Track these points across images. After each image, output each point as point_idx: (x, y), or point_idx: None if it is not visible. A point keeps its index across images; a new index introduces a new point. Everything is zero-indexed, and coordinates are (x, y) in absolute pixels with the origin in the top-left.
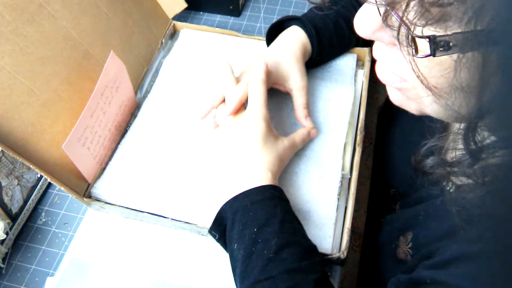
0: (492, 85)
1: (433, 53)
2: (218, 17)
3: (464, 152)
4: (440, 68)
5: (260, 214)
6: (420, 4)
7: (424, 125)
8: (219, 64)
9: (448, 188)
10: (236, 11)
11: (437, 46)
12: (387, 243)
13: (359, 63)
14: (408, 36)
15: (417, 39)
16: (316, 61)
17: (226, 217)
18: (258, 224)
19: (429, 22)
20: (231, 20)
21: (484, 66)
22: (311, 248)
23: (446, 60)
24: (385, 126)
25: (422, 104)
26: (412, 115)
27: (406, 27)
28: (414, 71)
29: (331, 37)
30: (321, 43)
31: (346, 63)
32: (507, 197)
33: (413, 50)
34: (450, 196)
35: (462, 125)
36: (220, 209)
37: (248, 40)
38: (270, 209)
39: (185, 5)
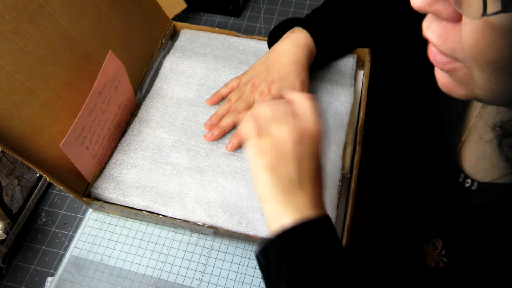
0: None
1: (504, 8)
2: (218, 17)
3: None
4: (502, 38)
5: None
6: None
7: (432, 120)
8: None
9: (467, 185)
10: (236, 11)
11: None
12: (408, 251)
13: (359, 63)
14: None
15: None
16: (319, 63)
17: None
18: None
19: None
20: (231, 20)
21: None
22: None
23: (507, 28)
24: (388, 124)
25: (473, 85)
26: (416, 112)
27: None
28: (470, 43)
29: (336, 39)
30: (326, 46)
31: (346, 63)
32: None
33: (482, 8)
34: (479, 194)
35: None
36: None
37: (248, 40)
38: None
39: (185, 5)
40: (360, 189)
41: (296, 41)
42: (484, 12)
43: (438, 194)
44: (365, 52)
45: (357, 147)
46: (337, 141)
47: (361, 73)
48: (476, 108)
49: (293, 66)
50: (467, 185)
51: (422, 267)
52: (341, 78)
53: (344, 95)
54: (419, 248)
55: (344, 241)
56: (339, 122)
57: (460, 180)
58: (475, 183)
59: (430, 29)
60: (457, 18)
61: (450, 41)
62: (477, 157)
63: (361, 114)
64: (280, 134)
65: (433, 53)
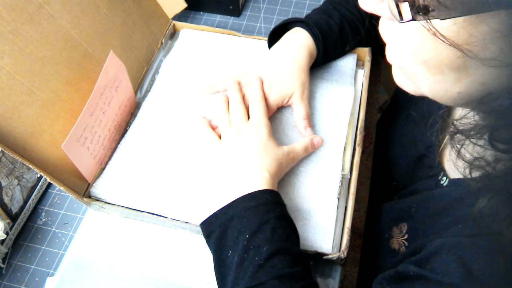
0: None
1: (413, 17)
2: (218, 17)
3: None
4: (428, 41)
5: (253, 220)
6: None
7: (420, 119)
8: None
9: (442, 182)
10: (236, 11)
11: (415, 10)
12: (381, 232)
13: (359, 63)
14: (394, 1)
15: (401, 5)
16: (319, 63)
17: (217, 224)
18: (251, 231)
19: None
20: (231, 20)
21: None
22: (302, 255)
23: (431, 32)
24: (386, 124)
25: (418, 83)
26: (411, 110)
27: None
28: (406, 43)
29: (336, 40)
30: (327, 47)
31: (346, 63)
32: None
33: (398, 16)
34: (444, 190)
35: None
36: (212, 215)
37: (248, 40)
38: (263, 215)
39: (185, 5)
40: (360, 189)
41: (296, 42)
42: (401, 19)
43: (418, 185)
44: (365, 52)
45: (357, 147)
46: (337, 141)
47: (361, 73)
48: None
49: (293, 68)
50: (442, 182)
51: (386, 249)
52: (341, 77)
53: (344, 95)
54: (389, 230)
55: (344, 241)
56: (339, 122)
57: (439, 177)
58: (447, 180)
59: (381, 27)
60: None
61: (396, 40)
62: (454, 157)
63: (361, 114)
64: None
65: (387, 51)
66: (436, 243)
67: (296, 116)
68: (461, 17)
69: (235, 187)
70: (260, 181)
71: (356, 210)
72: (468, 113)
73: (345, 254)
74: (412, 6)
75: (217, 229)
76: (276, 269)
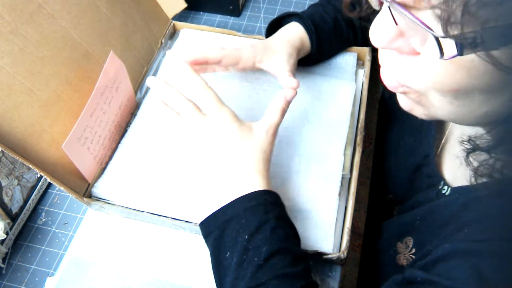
0: None
1: (459, 52)
2: (218, 17)
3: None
4: (461, 71)
5: (252, 220)
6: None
7: (415, 129)
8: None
9: (443, 192)
10: (236, 11)
11: (463, 44)
12: (385, 249)
13: (359, 62)
14: (434, 38)
15: (441, 40)
16: (315, 57)
17: (215, 225)
18: (250, 231)
19: (453, 21)
20: (231, 20)
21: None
22: (301, 255)
23: (466, 62)
24: (379, 135)
25: (430, 107)
26: (404, 121)
27: (428, 29)
28: (425, 75)
29: (330, 33)
30: (320, 39)
31: (346, 62)
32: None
33: (439, 52)
34: (448, 198)
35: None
36: (210, 216)
37: (248, 40)
38: (262, 216)
39: (185, 5)
40: (360, 189)
41: (289, 32)
42: (442, 56)
43: (419, 199)
44: (365, 51)
45: (357, 148)
46: (337, 141)
47: (361, 73)
48: (448, 123)
49: (282, 44)
50: (443, 191)
51: (393, 266)
52: (341, 76)
53: (344, 95)
54: (393, 246)
55: (344, 241)
56: (339, 123)
57: (440, 187)
58: (448, 189)
59: (383, 57)
60: (415, 53)
61: (401, 70)
62: (455, 167)
63: (361, 114)
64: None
65: (384, 77)
66: (443, 249)
67: (280, 73)
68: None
69: (235, 189)
70: (253, 184)
71: (356, 210)
72: (487, 132)
73: (345, 254)
74: (464, 40)
75: (216, 230)
76: (276, 269)
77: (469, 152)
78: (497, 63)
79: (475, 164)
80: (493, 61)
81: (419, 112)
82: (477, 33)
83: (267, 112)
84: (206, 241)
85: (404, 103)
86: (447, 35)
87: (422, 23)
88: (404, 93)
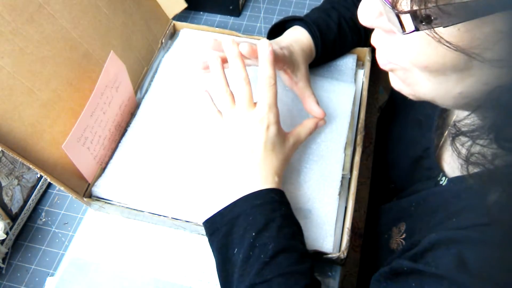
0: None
1: (416, 28)
2: (218, 17)
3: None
4: (428, 46)
5: (260, 218)
6: None
7: (419, 121)
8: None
9: (441, 182)
10: (236, 11)
11: (419, 20)
12: (381, 233)
13: (359, 63)
14: (394, 14)
15: (402, 17)
16: (317, 62)
17: (222, 222)
18: (257, 229)
19: None
20: (231, 20)
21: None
22: (306, 253)
23: (431, 39)
24: (385, 125)
25: (415, 85)
26: (409, 113)
27: (390, 5)
28: (405, 51)
29: (335, 39)
30: (325, 46)
31: (346, 63)
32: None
33: (401, 28)
34: (442, 187)
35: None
36: (217, 214)
37: (248, 40)
38: (269, 214)
39: (185, 5)
40: (360, 189)
41: (296, 37)
42: (403, 31)
43: (418, 186)
44: (364, 52)
45: (357, 148)
46: (337, 141)
47: (361, 73)
48: (451, 116)
49: (299, 50)
50: (441, 182)
51: (386, 249)
52: (341, 77)
53: (344, 95)
54: (389, 230)
55: (344, 241)
56: (339, 123)
57: (438, 178)
58: (445, 179)
59: (374, 37)
60: (392, 31)
61: (388, 48)
62: (455, 159)
63: (361, 114)
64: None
65: (377, 56)
66: (430, 239)
67: (305, 95)
68: (464, 22)
69: (242, 187)
70: (269, 184)
71: (356, 210)
72: (468, 114)
73: (345, 254)
74: (415, 17)
75: (223, 226)
76: (281, 266)
77: (453, 137)
78: (446, 42)
79: (463, 151)
80: (443, 40)
81: (406, 91)
82: (429, 10)
83: (300, 128)
84: (212, 239)
85: (394, 81)
86: (399, 11)
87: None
88: (391, 70)
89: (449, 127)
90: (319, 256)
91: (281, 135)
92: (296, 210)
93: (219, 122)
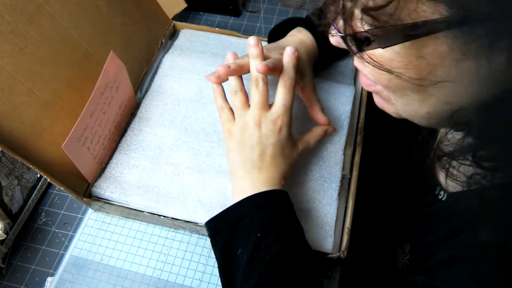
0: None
1: (359, 49)
2: (218, 17)
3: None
4: (377, 70)
5: (265, 219)
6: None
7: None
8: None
9: (440, 197)
10: (236, 11)
11: (359, 42)
12: (385, 253)
13: None
14: (341, 37)
15: (348, 39)
16: (320, 64)
17: (226, 222)
18: (262, 230)
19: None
20: (231, 20)
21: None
22: (310, 254)
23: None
24: (381, 126)
25: (393, 106)
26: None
27: (336, 29)
28: (369, 71)
29: None
30: (328, 47)
31: (346, 63)
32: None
33: (351, 50)
34: (444, 204)
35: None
36: (221, 213)
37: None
38: (275, 215)
39: (185, 5)
40: (360, 189)
41: (306, 43)
42: (352, 53)
43: (417, 204)
44: None
45: (357, 148)
46: (337, 141)
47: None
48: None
49: (304, 55)
50: (440, 196)
51: (392, 270)
52: (341, 78)
53: (344, 96)
54: (393, 251)
55: (344, 241)
56: (339, 123)
57: (436, 192)
58: (445, 194)
59: (355, 60)
60: None
61: (363, 68)
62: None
63: (361, 115)
64: (247, 121)
65: (361, 77)
66: (442, 255)
67: (311, 101)
68: (400, 44)
69: (247, 187)
70: (276, 186)
71: (356, 210)
72: (447, 132)
73: (345, 254)
74: (355, 40)
75: (227, 227)
76: (287, 268)
77: (438, 158)
78: (379, 65)
79: (453, 170)
80: (371, 61)
81: (389, 110)
82: (366, 33)
83: (309, 135)
84: (215, 239)
85: (377, 100)
86: (345, 34)
87: (332, 24)
88: (375, 92)
89: (434, 146)
90: (319, 256)
91: (291, 140)
92: (296, 210)
93: (230, 120)
